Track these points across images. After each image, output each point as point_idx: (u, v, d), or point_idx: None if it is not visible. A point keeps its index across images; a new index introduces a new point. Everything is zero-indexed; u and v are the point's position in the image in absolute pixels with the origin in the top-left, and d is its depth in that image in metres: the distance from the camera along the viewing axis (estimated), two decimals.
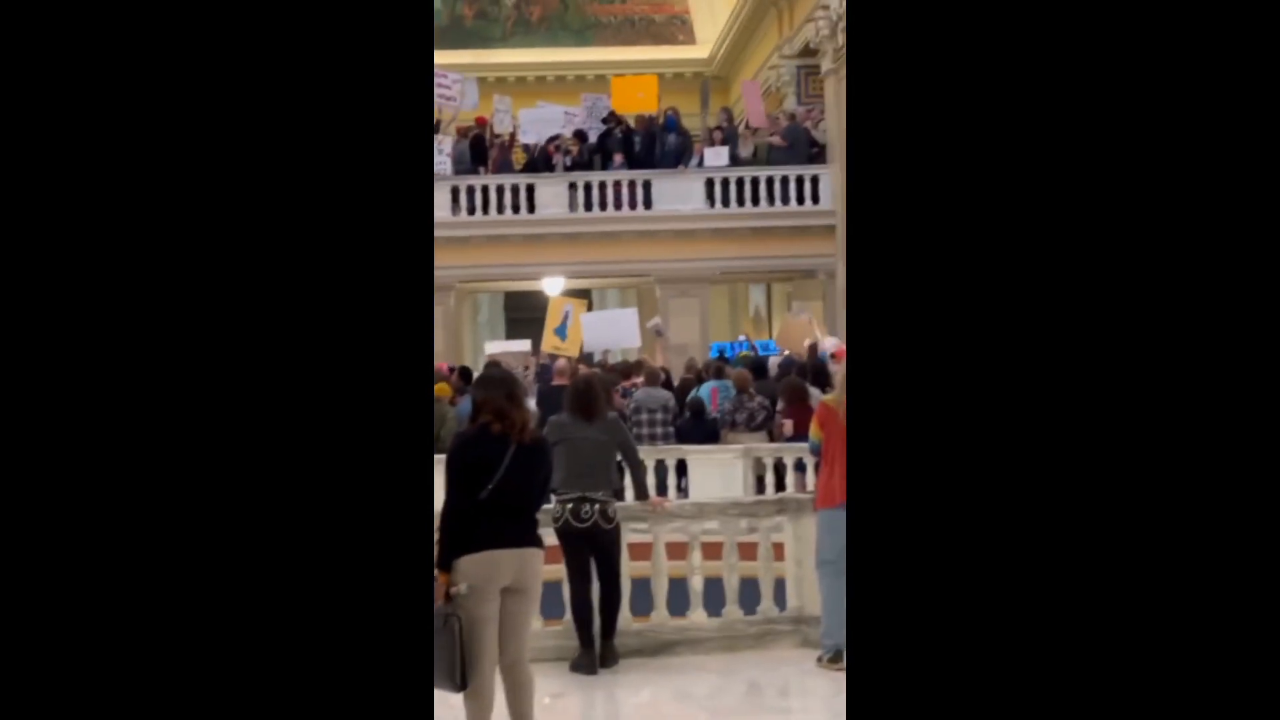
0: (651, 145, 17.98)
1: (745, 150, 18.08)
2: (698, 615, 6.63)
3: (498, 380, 4.77)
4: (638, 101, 18.27)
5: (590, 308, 16.93)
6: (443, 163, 16.97)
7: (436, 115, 17.59)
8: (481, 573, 4.41)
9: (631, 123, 18.40)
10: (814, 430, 6.11)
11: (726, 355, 14.92)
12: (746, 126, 19.12)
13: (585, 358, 13.81)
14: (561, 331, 14.33)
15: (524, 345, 16.65)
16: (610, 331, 14.12)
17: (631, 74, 19.55)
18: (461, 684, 4.33)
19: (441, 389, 10.84)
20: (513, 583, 4.44)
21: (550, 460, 4.80)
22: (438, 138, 17.09)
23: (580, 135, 18.02)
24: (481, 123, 18.20)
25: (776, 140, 17.80)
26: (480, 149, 17.90)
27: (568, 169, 17.71)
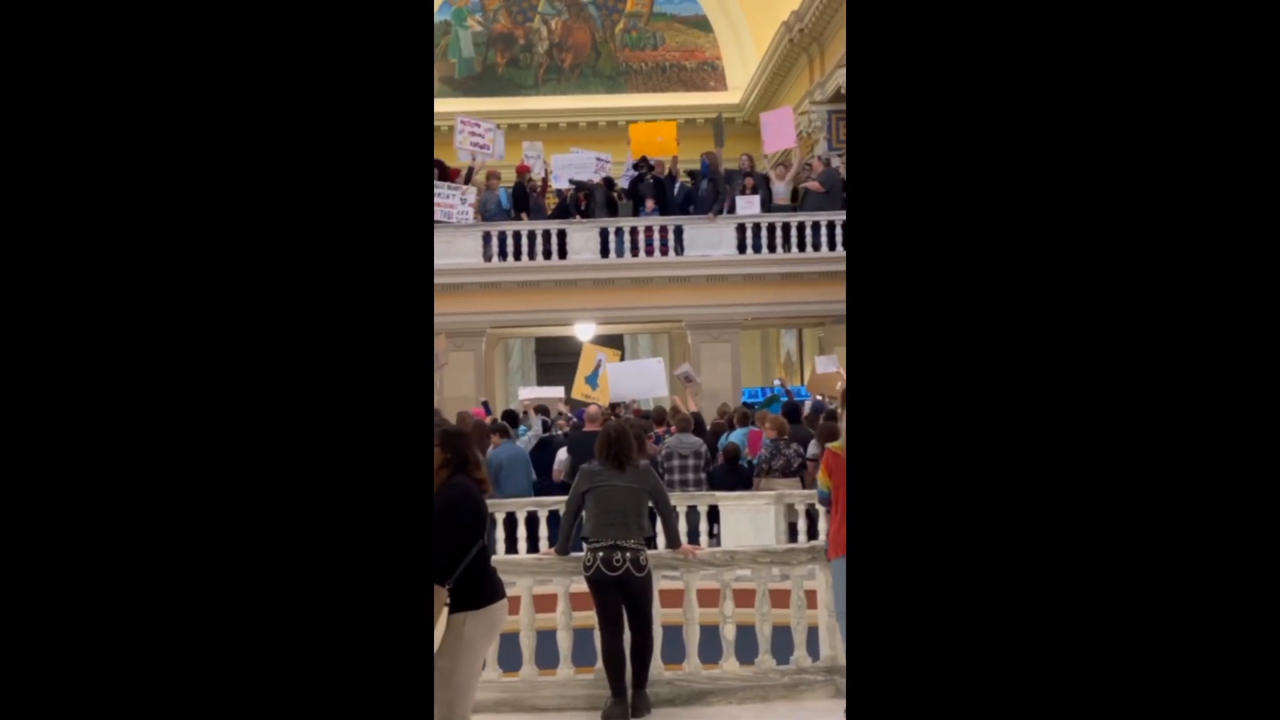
0: (669, 190, 18.01)
1: (784, 188, 18.01)
2: (730, 664, 6.58)
3: (467, 433, 4.84)
4: (657, 146, 18.31)
5: (622, 353, 16.97)
6: (465, 213, 17.04)
7: (468, 163, 17.73)
8: (497, 621, 4.54)
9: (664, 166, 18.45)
10: (822, 479, 5.97)
11: (757, 401, 14.90)
12: (781, 164, 19.15)
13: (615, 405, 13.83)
14: (593, 380, 14.36)
15: (557, 391, 16.68)
16: (637, 381, 14.12)
17: (650, 119, 19.67)
18: None
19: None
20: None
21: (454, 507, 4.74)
22: (463, 187, 17.19)
23: (608, 182, 18.09)
24: (523, 170, 18.31)
25: (815, 186, 17.81)
26: (522, 196, 18.01)
27: (581, 213, 17.76)
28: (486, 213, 17.62)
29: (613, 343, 19.27)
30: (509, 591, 6.87)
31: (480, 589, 4.47)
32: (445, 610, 4.33)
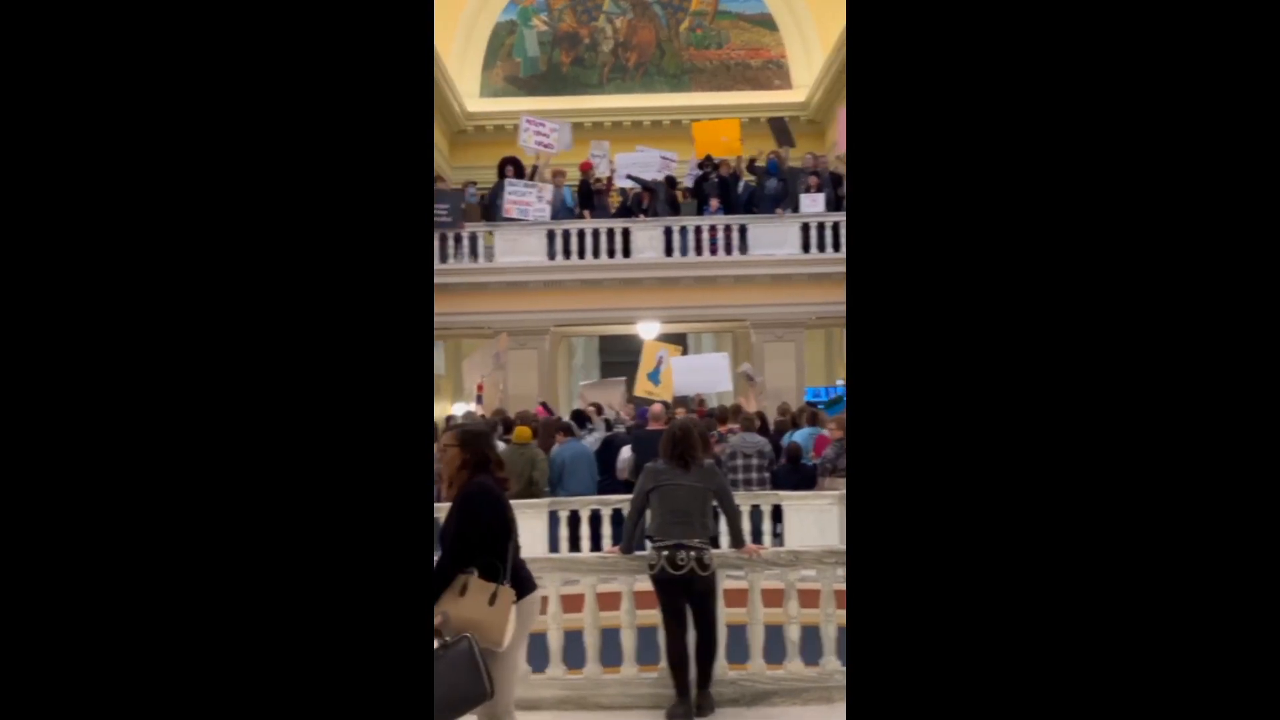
0: (734, 188, 17.95)
1: None
2: (794, 664, 6.55)
3: (486, 432, 4.90)
4: (721, 145, 18.26)
5: (685, 349, 16.96)
6: (542, 209, 17.15)
7: (533, 160, 17.81)
8: (534, 612, 4.66)
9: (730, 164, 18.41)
10: None
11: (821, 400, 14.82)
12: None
13: (680, 402, 13.82)
14: (655, 376, 14.36)
15: (618, 384, 16.70)
16: (701, 376, 14.10)
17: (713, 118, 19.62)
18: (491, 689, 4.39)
19: (522, 433, 10.91)
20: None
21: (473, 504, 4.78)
22: (539, 185, 17.27)
23: (669, 181, 18.07)
24: (586, 168, 18.36)
25: None
26: (586, 194, 18.06)
27: (644, 212, 17.76)
28: (552, 211, 17.67)
29: (676, 341, 19.26)
30: (575, 590, 6.92)
31: (519, 582, 4.54)
32: (513, 609, 4.38)
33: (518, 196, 16.99)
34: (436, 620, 4.38)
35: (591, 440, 12.14)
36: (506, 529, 4.51)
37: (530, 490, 10.43)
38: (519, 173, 17.47)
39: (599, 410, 13.66)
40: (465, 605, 4.33)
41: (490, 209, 17.50)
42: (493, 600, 4.32)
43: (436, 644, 4.40)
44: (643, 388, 14.23)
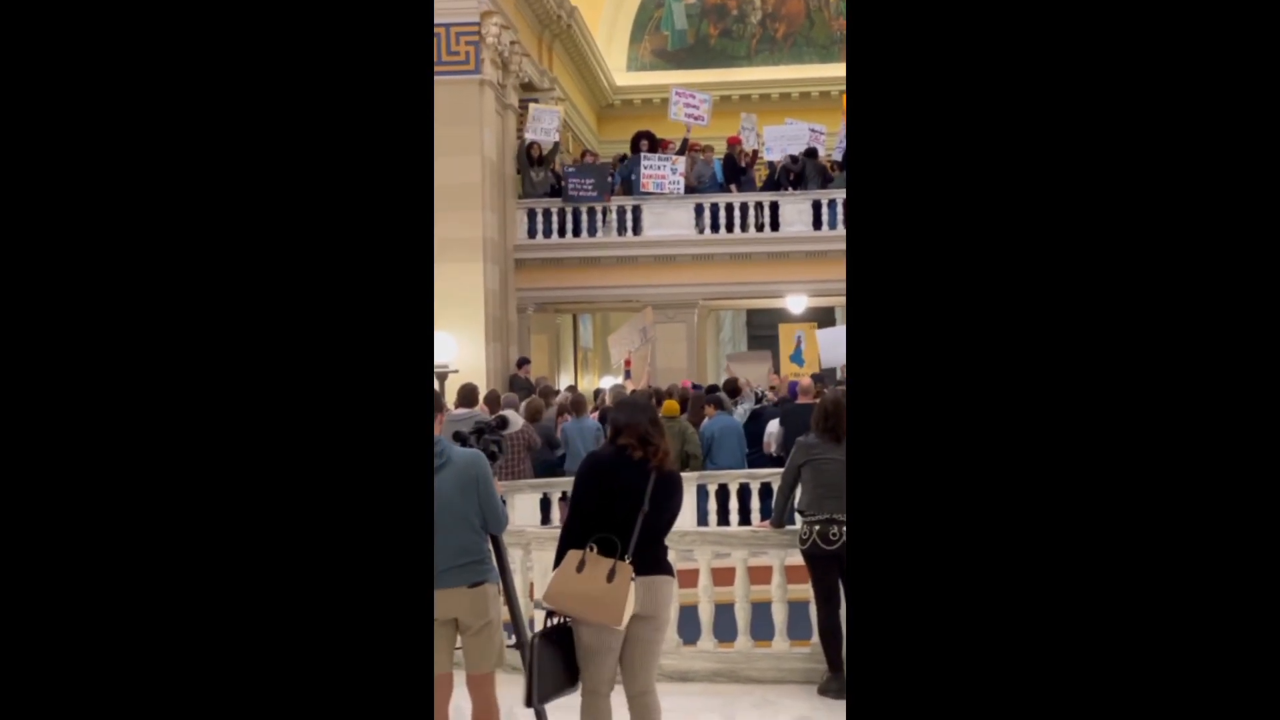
0: None
1: None
2: None
3: (641, 406, 4.70)
4: None
5: (825, 324, 16.81)
6: (676, 183, 17.14)
7: (685, 131, 17.83)
8: (664, 595, 4.49)
9: None
10: None
11: None
12: None
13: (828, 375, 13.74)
14: (798, 358, 14.31)
15: (764, 357, 16.64)
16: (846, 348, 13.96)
17: None
18: (527, 700, 4.37)
19: (670, 406, 10.96)
20: (640, 610, 4.34)
21: (682, 494, 4.65)
22: (673, 158, 17.26)
23: (810, 153, 17.85)
24: (734, 142, 18.29)
25: None
26: (734, 168, 18.01)
27: (792, 185, 17.59)
28: (701, 185, 17.66)
29: (824, 315, 19.07)
30: (726, 564, 6.93)
31: (646, 562, 4.41)
32: (632, 586, 4.29)
33: (651, 170, 17.03)
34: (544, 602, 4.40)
35: (740, 413, 12.13)
36: (588, 497, 4.42)
37: (685, 465, 10.47)
38: (653, 147, 17.50)
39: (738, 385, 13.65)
40: (582, 580, 4.27)
41: (625, 183, 17.57)
42: (611, 576, 4.25)
43: (550, 623, 4.43)
44: (789, 370, 14.18)
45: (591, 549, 4.31)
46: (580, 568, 4.29)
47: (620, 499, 4.37)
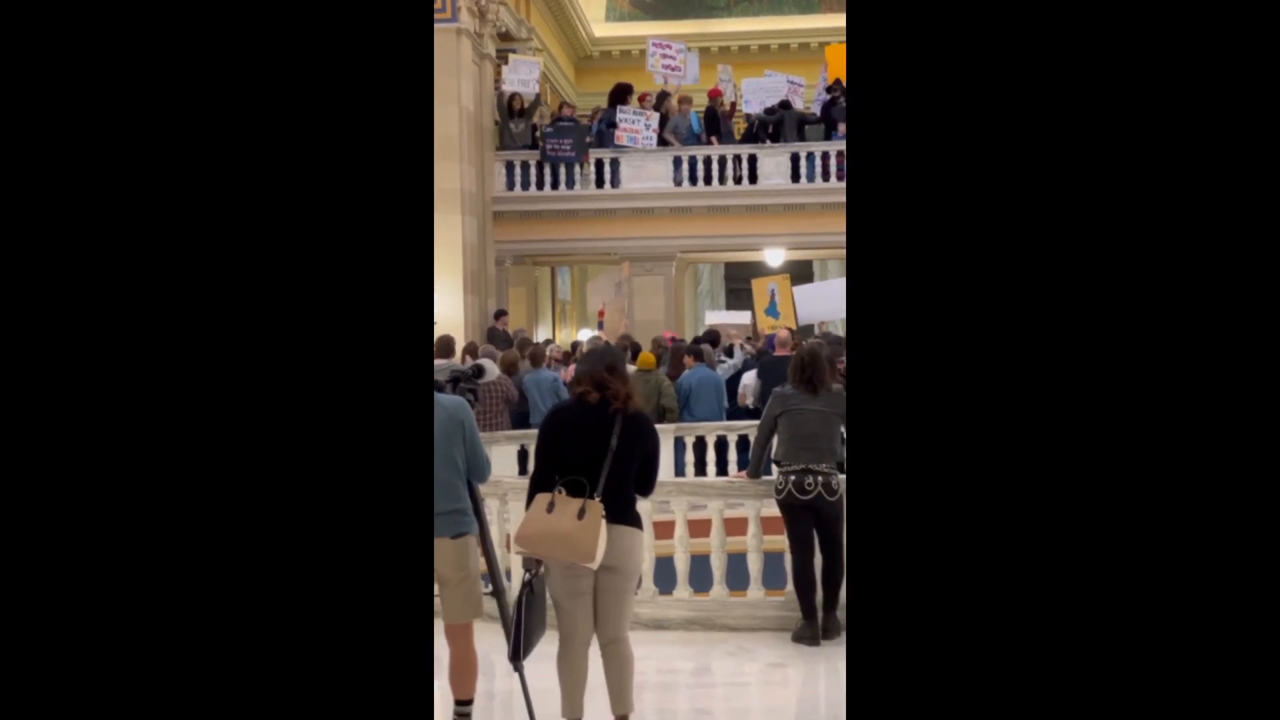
0: None
1: None
2: None
3: (599, 353, 4.75)
4: None
5: (799, 278, 16.81)
6: (649, 137, 17.05)
7: (660, 87, 17.70)
8: (631, 545, 4.50)
9: None
10: None
11: None
12: None
13: (804, 331, 13.76)
14: (772, 310, 14.32)
15: (744, 317, 16.64)
16: (825, 303, 13.99)
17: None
18: (513, 655, 4.43)
19: (646, 359, 10.96)
20: (608, 561, 4.36)
21: (654, 436, 4.63)
22: (648, 112, 17.16)
23: (785, 105, 17.76)
24: (715, 95, 18.19)
25: None
26: (714, 120, 17.91)
27: (770, 138, 17.52)
28: (679, 137, 17.59)
29: (802, 269, 19.07)
30: (702, 515, 6.97)
31: (614, 510, 4.42)
32: (603, 524, 4.32)
33: (626, 124, 16.95)
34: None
35: (725, 368, 12.16)
36: (556, 442, 4.45)
37: (661, 418, 10.50)
38: (624, 99, 17.41)
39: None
40: (552, 520, 4.31)
41: (600, 136, 17.47)
42: (581, 514, 4.29)
43: (527, 575, 4.48)
44: (764, 324, 14.19)
45: (560, 491, 4.35)
46: (550, 509, 4.33)
47: (584, 443, 4.40)
